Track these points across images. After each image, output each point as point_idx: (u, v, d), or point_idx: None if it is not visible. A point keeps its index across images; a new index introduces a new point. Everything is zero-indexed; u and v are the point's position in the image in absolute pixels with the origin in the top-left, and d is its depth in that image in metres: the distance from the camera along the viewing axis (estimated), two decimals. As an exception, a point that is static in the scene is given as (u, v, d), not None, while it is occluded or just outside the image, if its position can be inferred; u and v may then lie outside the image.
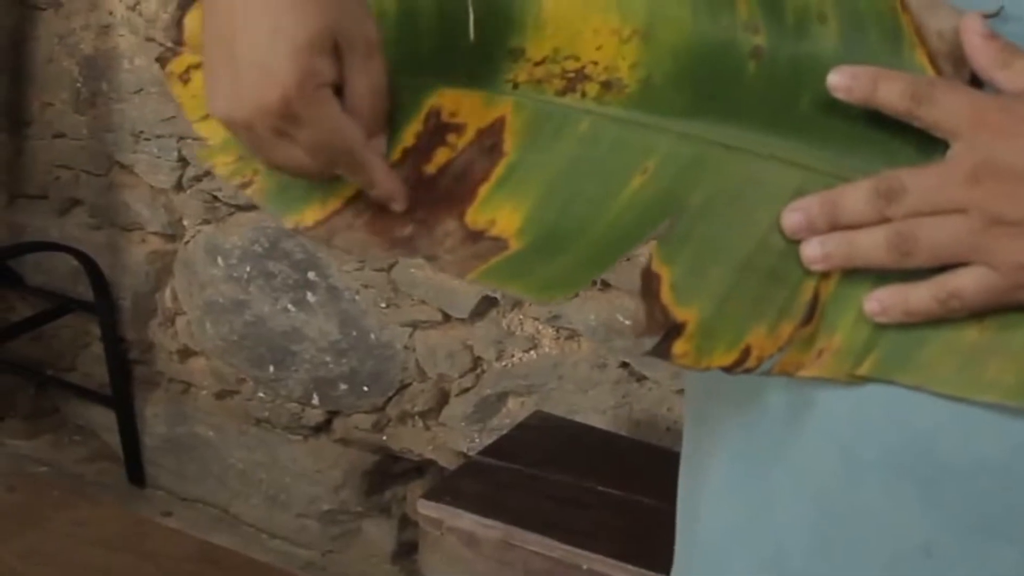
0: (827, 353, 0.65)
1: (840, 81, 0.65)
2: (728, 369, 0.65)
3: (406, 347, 2.16)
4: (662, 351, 0.65)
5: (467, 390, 2.12)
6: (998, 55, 0.63)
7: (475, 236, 0.69)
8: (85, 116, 2.42)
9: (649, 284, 0.66)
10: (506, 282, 0.69)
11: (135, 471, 2.53)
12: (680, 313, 0.65)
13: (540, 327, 2.02)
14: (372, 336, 2.19)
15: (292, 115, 0.66)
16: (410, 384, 2.18)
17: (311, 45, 0.65)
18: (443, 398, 2.16)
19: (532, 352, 2.04)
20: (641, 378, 1.95)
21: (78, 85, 2.41)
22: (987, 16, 0.64)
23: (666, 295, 0.66)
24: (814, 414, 0.67)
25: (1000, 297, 0.62)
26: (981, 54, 0.63)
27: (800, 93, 0.67)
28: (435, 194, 0.70)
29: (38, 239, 2.54)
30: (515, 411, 2.07)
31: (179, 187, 2.34)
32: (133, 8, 2.29)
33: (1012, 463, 0.63)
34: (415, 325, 2.14)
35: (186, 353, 2.45)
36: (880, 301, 0.64)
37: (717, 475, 0.74)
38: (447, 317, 2.10)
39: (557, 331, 2.01)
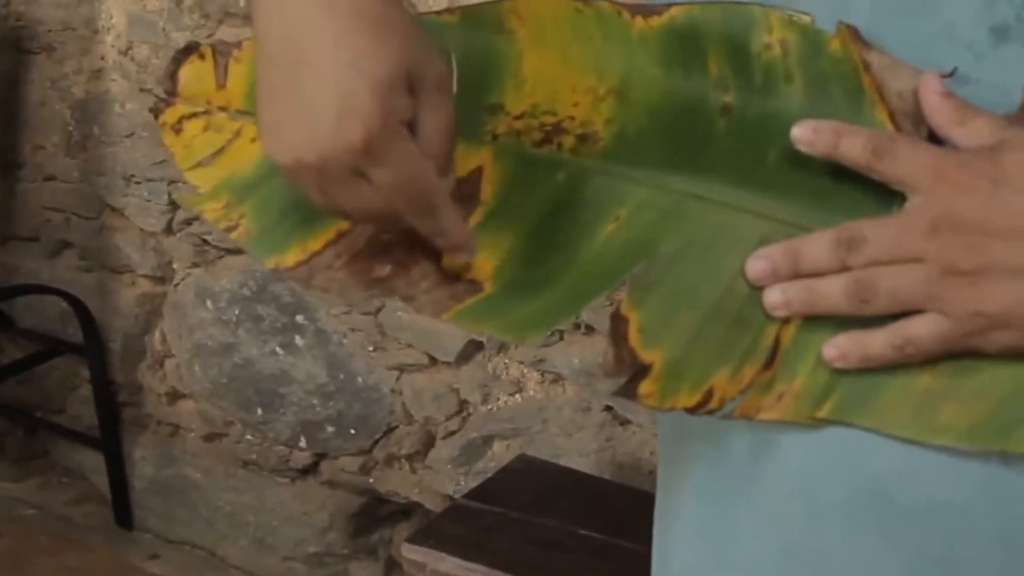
0: (787, 396, 0.67)
1: (804, 135, 0.67)
2: (691, 410, 0.67)
3: (393, 390, 2.17)
4: (629, 391, 0.67)
5: (453, 433, 2.14)
6: (955, 113, 0.65)
7: (451, 278, 0.72)
8: (76, 159, 2.44)
9: (618, 327, 0.68)
10: (480, 322, 0.72)
11: (123, 513, 2.53)
12: (647, 355, 0.68)
13: (525, 371, 2.04)
14: (359, 379, 2.20)
15: (375, 153, 0.64)
16: (397, 427, 2.19)
17: (392, 81, 0.64)
18: (429, 441, 2.17)
19: (517, 396, 2.05)
20: (625, 422, 1.97)
21: (70, 129, 2.43)
22: (944, 76, 0.66)
23: (634, 338, 0.68)
24: (775, 456, 0.69)
25: (953, 344, 0.64)
26: (938, 112, 0.66)
27: (767, 148, 0.69)
28: (414, 237, 0.72)
29: (28, 281, 2.55)
30: (500, 454, 2.08)
31: (169, 230, 2.36)
32: (125, 53, 2.31)
33: (970, 505, 0.65)
34: (402, 368, 2.15)
35: (175, 395, 2.46)
36: (839, 347, 0.66)
37: (685, 516, 0.76)
38: (433, 360, 2.11)
39: (542, 375, 2.02)
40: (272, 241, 0.74)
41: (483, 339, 2.04)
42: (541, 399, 2.03)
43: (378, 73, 0.64)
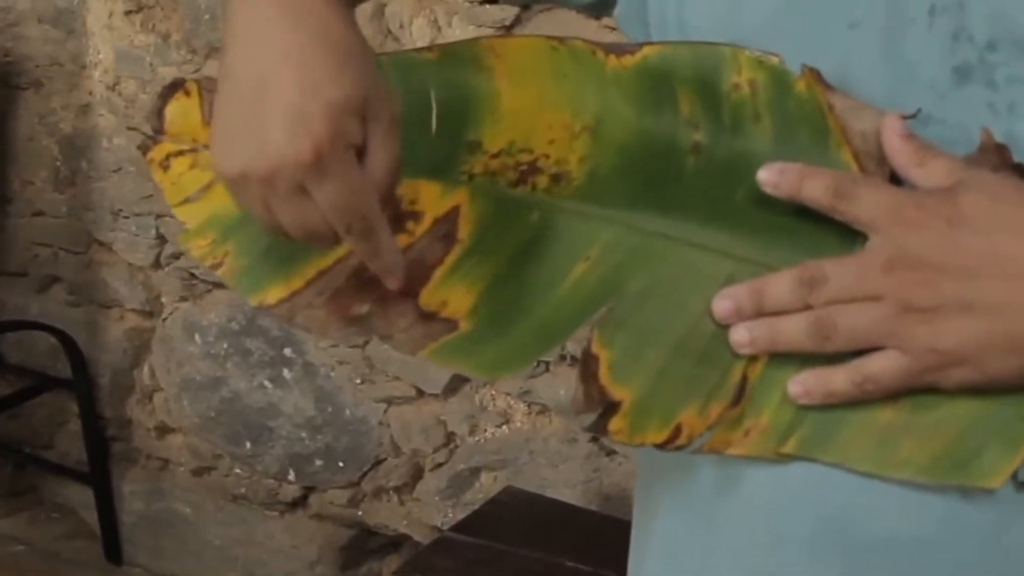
0: (754, 432, 0.68)
1: (769, 177, 0.68)
2: (660, 446, 0.68)
3: (381, 423, 2.18)
4: (599, 427, 0.68)
5: (441, 465, 2.14)
6: (915, 155, 0.66)
7: (428, 316, 0.73)
8: (64, 194, 2.44)
9: (588, 365, 0.70)
10: (455, 360, 0.73)
11: (112, 548, 2.53)
12: (616, 392, 0.69)
13: (512, 402, 2.04)
14: (347, 412, 2.20)
15: (321, 170, 0.65)
16: (385, 459, 2.20)
17: (346, 105, 0.66)
18: (417, 473, 2.18)
19: (504, 427, 2.06)
20: (611, 452, 1.97)
21: (58, 164, 2.44)
22: (906, 117, 0.67)
23: (604, 375, 0.69)
24: (742, 490, 0.70)
25: (912, 380, 0.65)
26: (899, 154, 0.67)
27: (735, 187, 0.70)
28: None
29: (17, 317, 2.56)
30: (488, 485, 2.09)
31: (157, 265, 2.37)
32: (112, 88, 2.32)
33: (932, 538, 0.66)
34: (389, 401, 2.16)
35: (163, 430, 2.46)
36: (803, 384, 0.67)
37: (656, 547, 0.77)
38: (421, 393, 2.11)
39: (528, 406, 2.03)
40: (255, 279, 0.76)
41: (469, 372, 2.05)
42: (528, 430, 2.04)
43: (335, 96, 0.65)
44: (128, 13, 2.24)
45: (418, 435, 2.13)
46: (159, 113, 0.79)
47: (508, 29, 1.86)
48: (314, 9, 0.68)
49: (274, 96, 0.65)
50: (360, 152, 0.67)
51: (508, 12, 1.85)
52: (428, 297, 0.73)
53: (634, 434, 0.68)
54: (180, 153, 0.78)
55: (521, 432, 2.04)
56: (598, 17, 1.75)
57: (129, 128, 2.30)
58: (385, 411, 2.17)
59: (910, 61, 0.70)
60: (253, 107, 0.66)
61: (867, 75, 0.70)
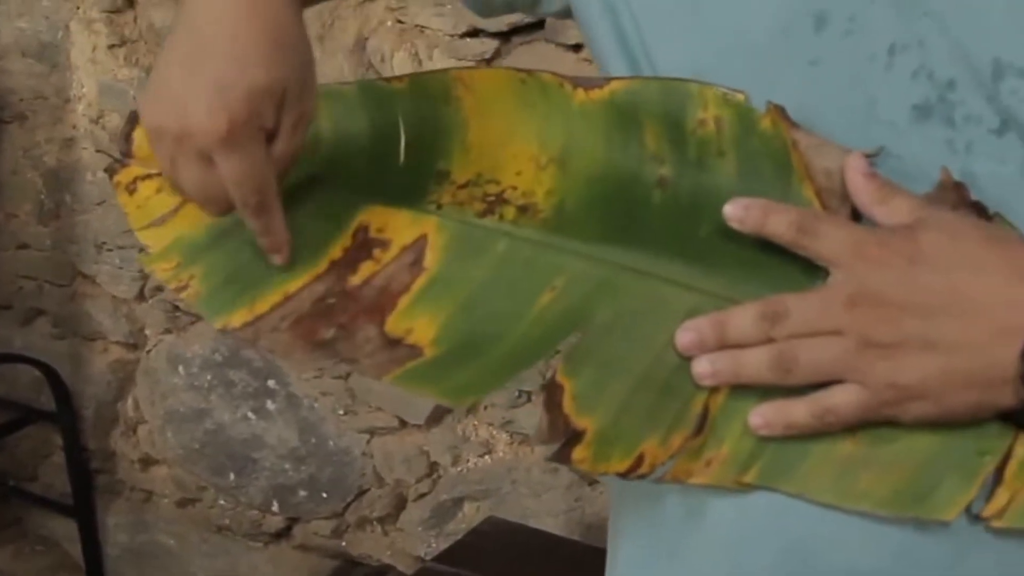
0: (715, 462, 0.69)
1: (734, 212, 0.69)
2: (623, 475, 0.69)
3: (364, 453, 2.18)
4: (562, 456, 0.69)
5: (424, 495, 2.14)
6: (877, 192, 0.68)
7: (393, 343, 0.73)
8: (48, 227, 2.45)
9: (552, 394, 0.70)
10: (419, 386, 0.73)
11: (97, 581, 2.53)
12: (580, 422, 0.69)
13: (494, 432, 2.05)
14: (330, 443, 2.21)
15: (231, 143, 0.70)
16: (368, 490, 2.20)
17: (268, 90, 0.71)
18: (400, 503, 2.18)
19: (487, 457, 2.06)
20: (593, 482, 1.98)
21: (42, 197, 2.44)
22: (869, 155, 0.68)
23: (568, 405, 0.70)
24: (706, 519, 0.71)
25: (871, 413, 0.66)
26: (862, 191, 0.68)
27: (700, 221, 0.72)
28: (358, 303, 0.74)
29: (1, 350, 2.56)
30: (471, 515, 2.09)
31: (141, 297, 2.37)
32: (96, 122, 2.33)
33: (890, 569, 0.67)
34: (372, 431, 2.16)
35: (148, 462, 2.46)
36: (763, 416, 0.68)
37: (623, 574, 0.77)
38: (403, 423, 2.12)
39: (511, 436, 2.03)
40: (220, 302, 0.76)
41: (452, 401, 2.05)
42: (510, 460, 2.04)
43: (260, 79, 0.71)
44: (111, 47, 2.25)
45: (401, 465, 2.14)
46: (127, 137, 0.80)
47: (488, 62, 1.87)
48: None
49: (207, 66, 0.71)
50: (269, 136, 0.72)
51: (488, 45, 1.86)
52: (394, 324, 0.74)
53: (597, 463, 0.69)
54: (147, 177, 0.79)
55: (503, 462, 2.05)
56: (577, 49, 1.77)
57: (111, 153, 2.31)
58: (368, 442, 2.17)
59: (870, 98, 0.71)
60: (187, 71, 0.71)
61: (827, 112, 0.72)
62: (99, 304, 2.43)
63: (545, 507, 2.02)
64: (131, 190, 0.80)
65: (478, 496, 2.09)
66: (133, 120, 0.80)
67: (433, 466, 2.12)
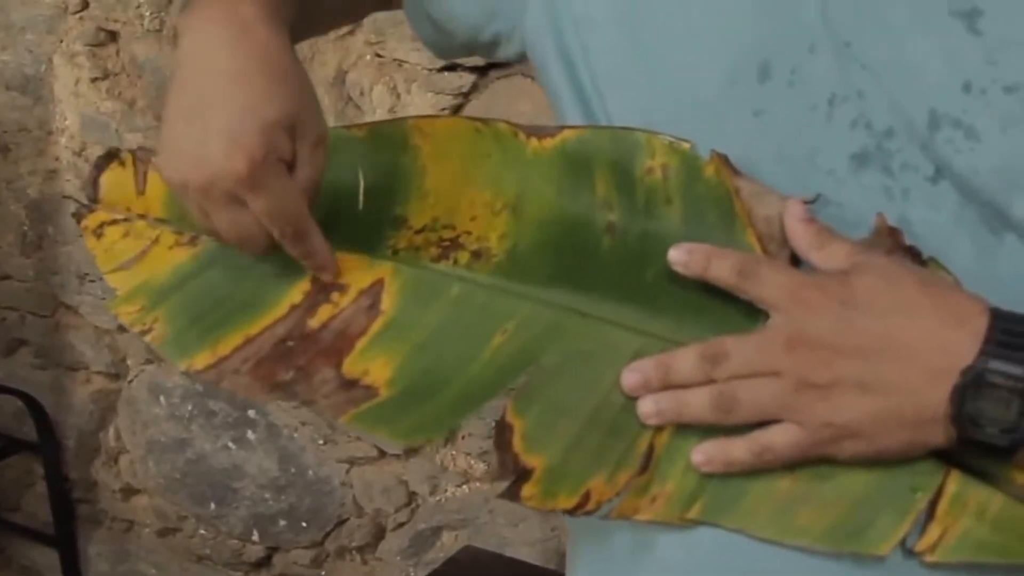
0: (660, 499, 0.71)
1: (678, 256, 0.72)
2: (570, 511, 0.71)
3: (343, 483, 2.20)
4: (512, 494, 0.71)
5: (402, 524, 2.16)
6: (814, 238, 0.70)
7: (349, 384, 0.76)
8: (31, 258, 2.46)
9: (502, 434, 0.73)
10: (374, 426, 0.75)
11: (78, 610, 2.54)
12: (529, 460, 0.72)
13: (472, 462, 2.07)
14: (310, 472, 2.22)
15: (255, 182, 0.72)
16: (347, 519, 2.21)
17: (278, 123, 0.72)
18: (379, 533, 2.20)
19: (464, 487, 2.08)
20: (569, 511, 1.99)
21: (24, 228, 2.46)
22: (807, 202, 0.71)
23: (517, 444, 0.72)
24: (655, 553, 0.74)
25: (807, 451, 0.68)
26: (800, 237, 0.71)
27: (647, 266, 0.74)
28: (316, 345, 0.76)
29: (-16, 381, 2.57)
30: (449, 544, 2.11)
31: (123, 327, 2.38)
32: (79, 154, 2.35)
33: None
34: (352, 461, 2.18)
35: (129, 491, 2.47)
36: (705, 453, 0.70)
37: None
38: (382, 453, 2.14)
39: (488, 466, 2.05)
40: (183, 345, 0.78)
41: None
42: (487, 490, 2.06)
43: (268, 115, 0.72)
44: (94, 80, 2.27)
45: (380, 495, 2.15)
46: (94, 182, 0.82)
47: (466, 96, 1.90)
48: (254, 34, 0.74)
49: (214, 113, 0.72)
50: (290, 165, 0.74)
51: (466, 79, 1.89)
52: (350, 365, 0.76)
53: (545, 500, 0.71)
54: (113, 222, 0.81)
55: (481, 491, 2.06)
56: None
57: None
58: (347, 471, 2.19)
59: (811, 147, 0.73)
60: (195, 122, 0.72)
61: (770, 160, 0.74)
62: (81, 334, 2.45)
63: (522, 536, 2.03)
64: (99, 234, 0.82)
65: (456, 525, 2.10)
66: (100, 165, 0.82)
67: (411, 495, 2.14)
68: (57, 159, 2.39)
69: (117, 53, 2.25)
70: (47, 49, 2.30)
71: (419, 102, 1.93)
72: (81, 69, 2.27)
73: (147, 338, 0.79)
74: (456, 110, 1.91)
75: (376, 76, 1.97)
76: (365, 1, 0.99)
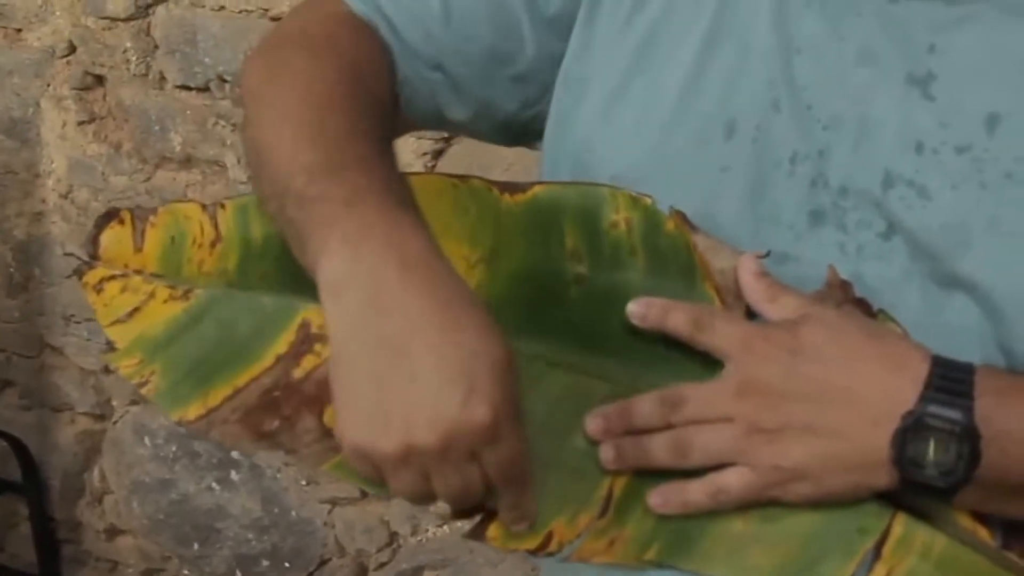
0: (618, 542, 0.73)
1: (637, 310, 0.75)
2: (533, 552, 0.74)
3: (326, 523, 2.21)
4: (477, 534, 0.74)
5: (384, 565, 2.17)
6: (766, 291, 0.73)
7: (330, 433, 0.77)
8: (17, 300, 2.47)
9: None
10: (353, 474, 0.76)
11: (62, 651, 2.53)
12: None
13: (452, 502, 2.08)
14: (293, 513, 2.23)
15: (497, 433, 0.66)
16: (330, 559, 2.22)
17: (508, 364, 0.67)
18: (362, 573, 2.21)
19: (445, 527, 2.09)
20: (548, 551, 2.01)
21: (11, 270, 2.46)
22: (761, 256, 0.74)
23: None
24: None
25: (758, 493, 0.71)
26: (753, 290, 0.74)
27: (612, 316, 0.77)
28: (300, 396, 0.78)
29: (-31, 422, 2.58)
30: (430, 584, 2.12)
31: (108, 369, 2.39)
32: (65, 197, 2.36)
33: None
34: (334, 502, 2.19)
35: (113, 532, 2.48)
36: (661, 495, 0.73)
37: None
38: (364, 494, 2.14)
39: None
40: (177, 396, 0.80)
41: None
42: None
43: (496, 356, 0.66)
44: (81, 123, 2.28)
45: (362, 535, 2.17)
46: (94, 240, 0.84)
47: (447, 141, 1.92)
48: (431, 265, 0.68)
49: (437, 365, 0.65)
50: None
51: (446, 125, 1.91)
52: (332, 415, 0.77)
53: (509, 540, 0.74)
54: (112, 277, 0.83)
55: (462, 531, 2.07)
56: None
57: (80, 226, 2.34)
58: (330, 512, 2.20)
59: (772, 204, 0.76)
60: (412, 378, 0.65)
61: (734, 215, 0.77)
62: (67, 376, 2.46)
63: (502, 576, 2.05)
64: (98, 290, 0.84)
65: (437, 565, 2.12)
66: (100, 224, 0.84)
67: (393, 536, 2.15)
68: (44, 201, 2.40)
69: (104, 97, 2.26)
70: (34, 93, 2.32)
71: (401, 146, 1.93)
72: (68, 113, 2.29)
73: (144, 390, 0.81)
74: (438, 154, 1.94)
75: (359, 121, 1.99)
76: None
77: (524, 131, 0.92)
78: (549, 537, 0.73)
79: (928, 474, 0.68)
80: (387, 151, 0.77)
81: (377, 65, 0.85)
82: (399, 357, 0.65)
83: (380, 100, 0.82)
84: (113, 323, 0.83)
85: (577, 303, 0.78)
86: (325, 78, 0.78)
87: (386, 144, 0.78)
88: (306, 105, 0.76)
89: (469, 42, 0.87)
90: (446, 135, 1.91)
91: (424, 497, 0.69)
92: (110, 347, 0.83)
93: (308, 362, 0.79)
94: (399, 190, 0.72)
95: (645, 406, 0.73)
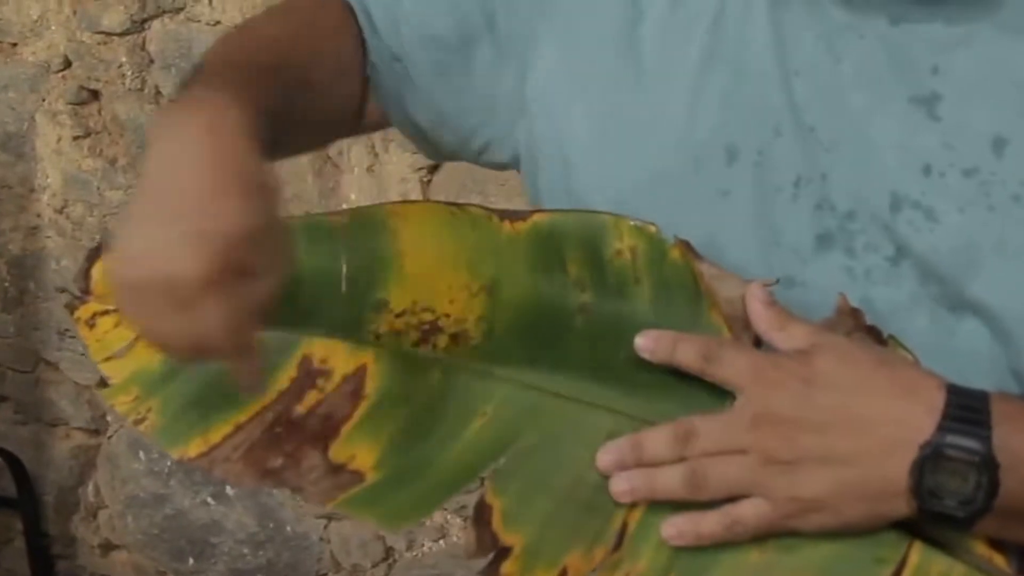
0: (634, 575, 0.73)
1: (645, 344, 0.75)
2: None
3: (321, 538, 2.21)
4: (491, 572, 0.74)
5: (380, 580, 2.18)
6: (775, 320, 0.73)
7: (336, 469, 0.77)
8: (12, 314, 2.46)
9: (482, 513, 0.75)
10: (361, 511, 0.77)
11: (56, 666, 2.53)
12: (508, 538, 0.74)
13: (448, 517, 2.08)
14: (288, 528, 2.23)
15: (214, 289, 0.67)
16: (326, 574, 2.22)
17: (242, 237, 0.67)
18: (357, 588, 2.21)
19: (441, 541, 2.10)
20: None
21: (6, 284, 2.46)
22: (768, 285, 0.74)
23: (496, 523, 0.75)
24: None
25: (775, 524, 0.71)
26: (761, 319, 0.74)
27: (618, 347, 0.77)
28: (304, 432, 0.78)
29: (-37, 437, 2.57)
30: (427, 600, 2.12)
31: (103, 383, 2.38)
32: (60, 211, 2.36)
33: None
34: (330, 517, 2.19)
35: (108, 547, 2.48)
36: (676, 527, 0.73)
37: None
38: (360, 508, 2.14)
39: (464, 521, 2.06)
40: (176, 433, 0.79)
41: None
42: (464, 544, 2.06)
43: (233, 227, 0.67)
44: (76, 138, 2.28)
45: (357, 550, 2.17)
46: (86, 275, 0.83)
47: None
48: (233, 144, 0.70)
49: (180, 218, 0.67)
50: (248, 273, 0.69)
51: (442, 141, 1.91)
52: (337, 451, 0.77)
53: None
54: (105, 312, 0.82)
55: (457, 546, 2.08)
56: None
57: (75, 242, 2.34)
58: (325, 527, 2.20)
59: (776, 228, 0.76)
60: (160, 223, 0.68)
61: (737, 240, 0.77)
62: (61, 390, 2.45)
63: (498, 592, 2.04)
64: (91, 325, 0.83)
65: (433, 580, 2.12)
66: (91, 258, 0.83)
67: (389, 551, 2.15)
68: (39, 216, 2.40)
69: (99, 111, 2.26)
70: (30, 107, 2.31)
71: (397, 161, 1.96)
72: (63, 127, 2.29)
73: (141, 427, 0.80)
74: (433, 169, 1.94)
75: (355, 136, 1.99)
76: (332, 131, 0.98)
77: (484, 152, 0.93)
78: (564, 572, 0.73)
79: (947, 504, 0.68)
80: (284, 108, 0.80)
81: (342, 39, 0.89)
82: (166, 210, 0.68)
83: (324, 59, 0.88)
84: (107, 359, 0.82)
85: (582, 333, 0.78)
86: (271, 27, 0.88)
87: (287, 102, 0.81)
88: (241, 47, 0.86)
89: (426, 45, 0.89)
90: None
91: (158, 337, 0.69)
92: (103, 383, 0.83)
93: (311, 398, 0.79)
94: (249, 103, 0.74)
95: (657, 439, 0.73)
